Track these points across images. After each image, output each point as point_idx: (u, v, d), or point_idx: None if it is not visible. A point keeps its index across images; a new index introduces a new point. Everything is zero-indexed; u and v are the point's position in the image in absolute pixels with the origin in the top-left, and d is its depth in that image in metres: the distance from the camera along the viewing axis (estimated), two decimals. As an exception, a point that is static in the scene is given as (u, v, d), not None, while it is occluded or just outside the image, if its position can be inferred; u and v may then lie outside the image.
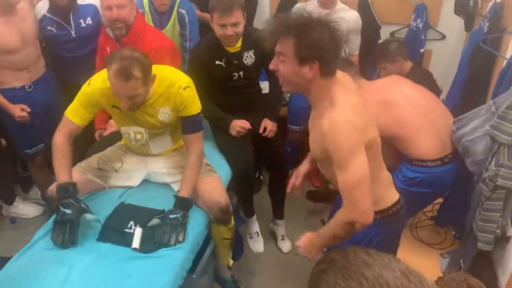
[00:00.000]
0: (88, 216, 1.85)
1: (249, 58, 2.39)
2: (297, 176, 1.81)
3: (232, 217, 2.12)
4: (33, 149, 2.75)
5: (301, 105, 2.81)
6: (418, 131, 2.02)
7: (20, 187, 3.14)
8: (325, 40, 1.33)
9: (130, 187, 2.14)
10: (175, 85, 1.89)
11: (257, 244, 2.78)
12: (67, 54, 2.69)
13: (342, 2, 2.93)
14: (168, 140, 2.15)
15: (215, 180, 2.10)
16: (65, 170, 1.89)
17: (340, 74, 1.46)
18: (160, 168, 2.15)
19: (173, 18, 2.72)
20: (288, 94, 3.08)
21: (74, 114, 1.93)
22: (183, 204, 1.93)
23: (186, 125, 1.98)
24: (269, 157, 2.71)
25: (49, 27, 2.60)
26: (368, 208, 1.38)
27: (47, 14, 2.57)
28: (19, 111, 2.54)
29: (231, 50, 2.36)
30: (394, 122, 2.01)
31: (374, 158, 1.48)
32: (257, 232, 2.78)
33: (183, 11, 2.71)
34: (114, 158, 2.16)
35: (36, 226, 2.85)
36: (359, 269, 0.70)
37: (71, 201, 1.80)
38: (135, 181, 2.15)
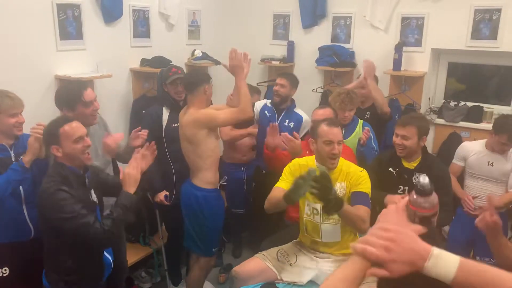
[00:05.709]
0: None
1: (420, 178, 2.54)
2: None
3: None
4: (215, 249, 3.00)
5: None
6: None
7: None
8: None
9: (297, 283, 2.30)
10: (354, 167, 2.38)
11: None
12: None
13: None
14: (337, 229, 2.35)
15: None
16: None
17: None
18: (329, 268, 2.31)
19: (356, 132, 3.17)
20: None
21: None
22: None
23: (355, 198, 2.25)
24: None
25: (265, 111, 3.51)
26: None
27: (268, 105, 3.51)
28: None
29: (406, 164, 2.60)
30: None
31: None
32: None
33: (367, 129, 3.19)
34: (290, 253, 2.43)
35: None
36: None
37: None
38: (305, 278, 2.32)
